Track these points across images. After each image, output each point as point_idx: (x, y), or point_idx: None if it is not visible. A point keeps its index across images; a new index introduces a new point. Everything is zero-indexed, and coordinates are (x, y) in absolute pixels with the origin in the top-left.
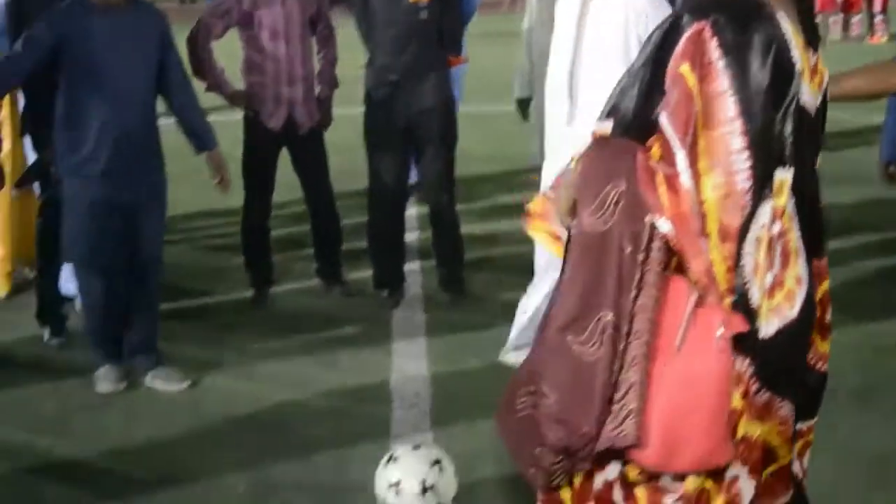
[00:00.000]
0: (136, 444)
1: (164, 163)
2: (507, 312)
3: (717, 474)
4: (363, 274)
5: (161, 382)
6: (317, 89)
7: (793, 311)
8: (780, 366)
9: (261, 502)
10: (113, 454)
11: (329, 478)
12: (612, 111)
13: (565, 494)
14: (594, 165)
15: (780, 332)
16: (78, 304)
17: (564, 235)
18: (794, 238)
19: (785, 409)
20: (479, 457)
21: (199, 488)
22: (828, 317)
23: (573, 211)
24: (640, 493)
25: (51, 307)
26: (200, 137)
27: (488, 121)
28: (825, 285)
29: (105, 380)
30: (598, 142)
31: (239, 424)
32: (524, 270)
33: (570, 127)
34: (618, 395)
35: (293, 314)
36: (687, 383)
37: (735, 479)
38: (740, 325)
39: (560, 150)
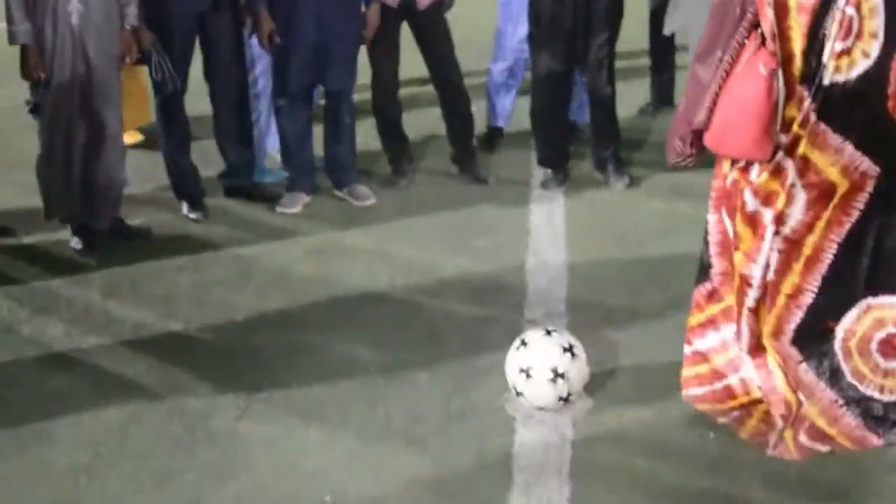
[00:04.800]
0: (269, 318)
1: None
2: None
3: (779, 180)
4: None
5: (352, 197)
6: None
7: (862, 65)
8: (843, 108)
9: (390, 380)
10: (247, 327)
11: (459, 360)
12: None
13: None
14: None
15: (841, 83)
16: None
17: None
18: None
19: (844, 147)
20: (613, 347)
21: (332, 363)
22: None
23: None
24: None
25: (183, 180)
26: None
27: None
28: None
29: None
30: None
31: (371, 304)
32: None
33: None
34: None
35: (429, 196)
36: (738, 94)
37: (793, 185)
38: (772, 64)
39: None
